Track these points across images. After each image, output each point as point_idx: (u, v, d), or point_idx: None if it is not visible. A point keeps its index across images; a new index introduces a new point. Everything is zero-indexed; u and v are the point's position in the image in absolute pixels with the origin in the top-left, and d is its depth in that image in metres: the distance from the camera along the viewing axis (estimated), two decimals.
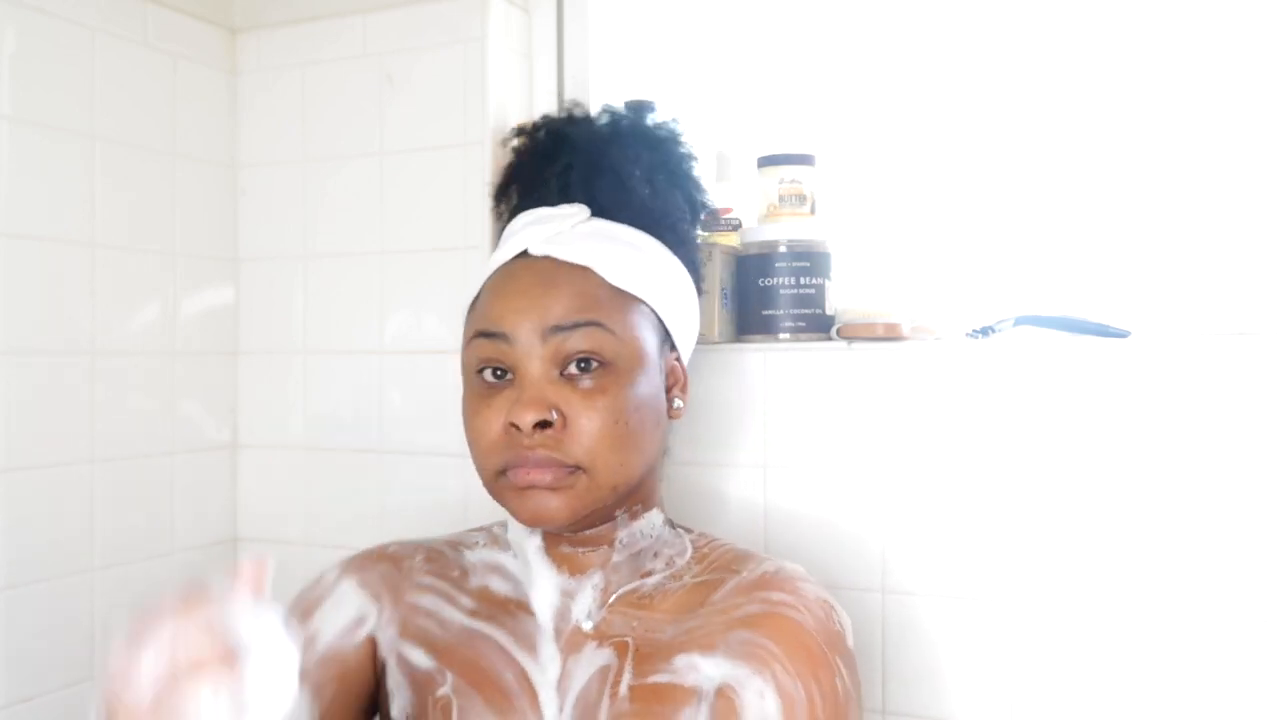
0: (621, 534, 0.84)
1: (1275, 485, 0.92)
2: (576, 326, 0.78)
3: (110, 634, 0.79)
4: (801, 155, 1.14)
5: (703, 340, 1.13)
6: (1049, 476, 0.99)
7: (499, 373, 0.81)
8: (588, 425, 0.78)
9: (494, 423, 0.79)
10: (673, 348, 0.88)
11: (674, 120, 0.96)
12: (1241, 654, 0.93)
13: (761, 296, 1.12)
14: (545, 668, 0.81)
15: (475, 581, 0.88)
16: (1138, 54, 1.10)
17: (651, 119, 0.95)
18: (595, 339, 0.79)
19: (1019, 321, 1.03)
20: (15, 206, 1.11)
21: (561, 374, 0.79)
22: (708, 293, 1.12)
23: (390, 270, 1.28)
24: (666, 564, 0.85)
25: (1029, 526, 1.00)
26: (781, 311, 1.11)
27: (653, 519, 0.87)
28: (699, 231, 0.98)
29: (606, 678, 0.79)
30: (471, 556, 0.90)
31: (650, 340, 0.83)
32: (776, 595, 0.78)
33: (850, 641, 0.79)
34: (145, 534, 1.26)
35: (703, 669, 0.76)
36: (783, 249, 1.11)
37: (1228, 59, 1.06)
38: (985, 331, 1.04)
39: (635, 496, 0.85)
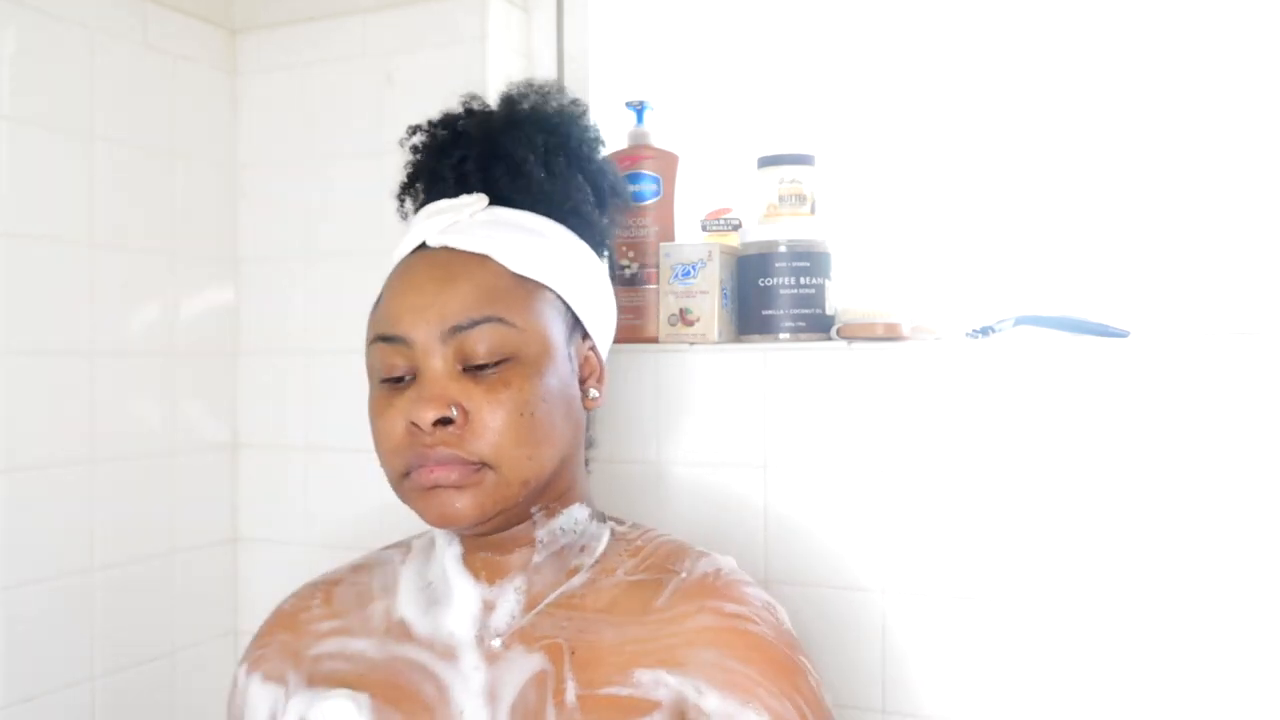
0: (540, 533, 0.82)
1: (1275, 485, 0.92)
2: (475, 324, 0.76)
3: None
4: (801, 155, 1.14)
5: (702, 340, 1.13)
6: (1049, 476, 0.99)
7: (400, 377, 0.78)
8: (491, 419, 0.75)
9: (397, 423, 0.77)
10: (585, 336, 0.85)
11: (576, 102, 0.92)
12: (1241, 653, 0.93)
13: (761, 296, 1.12)
14: (468, 677, 0.78)
15: (384, 604, 0.86)
16: (1138, 54, 1.10)
17: (555, 102, 0.91)
18: (496, 335, 0.76)
19: (1019, 321, 1.03)
20: (15, 206, 1.11)
21: (464, 368, 0.77)
22: (707, 293, 1.12)
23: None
24: (590, 556, 0.83)
25: (1029, 527, 1.00)
26: (781, 311, 1.11)
27: (574, 514, 0.84)
28: (613, 216, 0.93)
29: (545, 685, 0.76)
30: (380, 579, 0.88)
31: (556, 329, 0.81)
32: (730, 607, 0.77)
33: (793, 629, 0.81)
34: (145, 534, 1.26)
35: (671, 684, 0.75)
36: (783, 249, 1.11)
37: (1228, 59, 1.06)
38: (985, 331, 1.04)
39: (551, 492, 0.82)
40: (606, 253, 0.93)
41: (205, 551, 1.34)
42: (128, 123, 1.24)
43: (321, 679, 0.83)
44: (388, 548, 0.93)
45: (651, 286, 1.18)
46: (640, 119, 1.21)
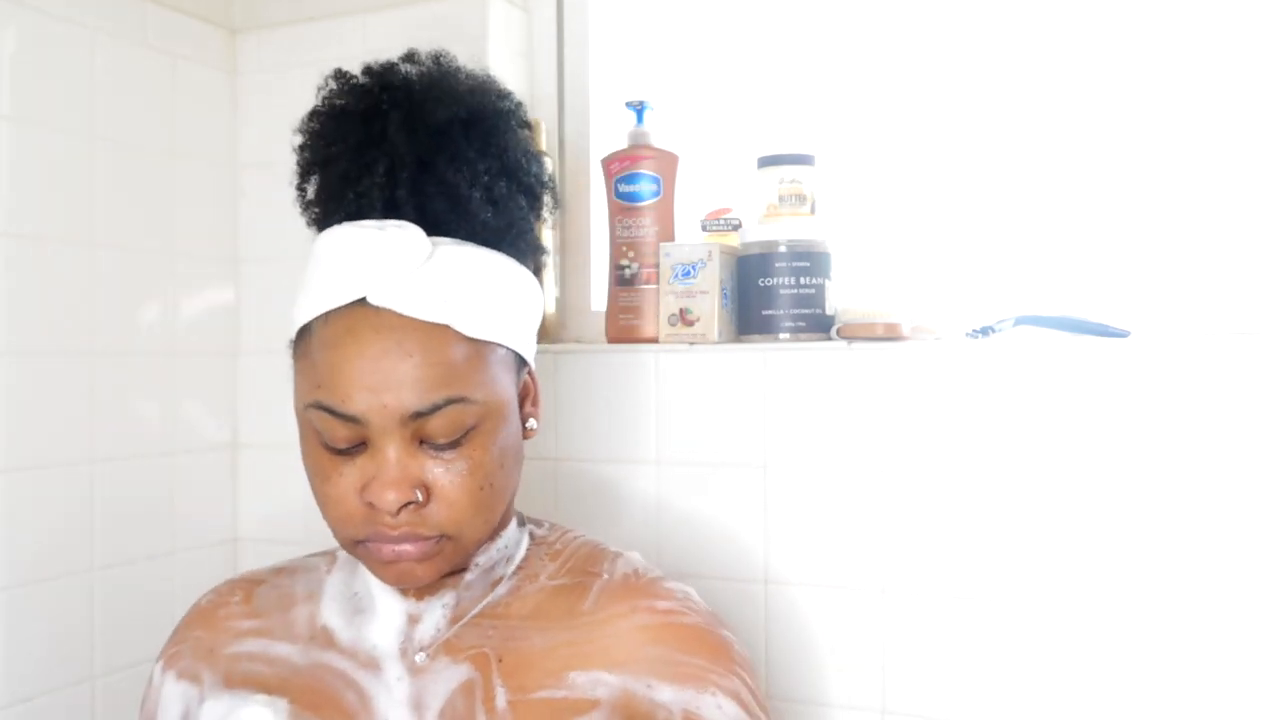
0: (479, 559, 0.81)
1: (1275, 485, 0.92)
2: (436, 409, 0.71)
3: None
4: (801, 155, 1.14)
5: (702, 340, 1.13)
6: (1049, 476, 0.99)
7: (344, 448, 0.74)
8: (453, 495, 0.73)
9: (348, 494, 0.73)
10: (524, 364, 0.82)
11: (505, 94, 0.84)
12: (1240, 653, 0.93)
13: (761, 296, 1.12)
14: (391, 687, 0.77)
15: (308, 610, 0.84)
16: (1137, 53, 1.10)
17: (469, 85, 0.81)
18: (457, 415, 0.72)
19: (1019, 321, 1.03)
20: (15, 206, 1.11)
21: (420, 442, 0.73)
22: (707, 293, 1.12)
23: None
24: (511, 565, 0.83)
25: (1030, 527, 1.00)
26: (781, 311, 1.11)
27: (509, 532, 0.84)
28: (542, 211, 0.87)
29: (474, 693, 0.76)
30: (304, 584, 0.87)
31: (507, 383, 0.78)
32: (661, 604, 0.79)
33: (707, 605, 0.83)
34: (145, 534, 1.26)
35: (611, 683, 0.76)
36: (783, 249, 1.11)
37: (1228, 59, 1.06)
38: (985, 331, 1.04)
39: (496, 527, 0.82)
40: (534, 245, 0.86)
41: (205, 551, 1.34)
42: (128, 123, 1.24)
43: (239, 680, 0.82)
44: (312, 555, 0.92)
45: (651, 286, 1.18)
46: (640, 119, 1.21)
